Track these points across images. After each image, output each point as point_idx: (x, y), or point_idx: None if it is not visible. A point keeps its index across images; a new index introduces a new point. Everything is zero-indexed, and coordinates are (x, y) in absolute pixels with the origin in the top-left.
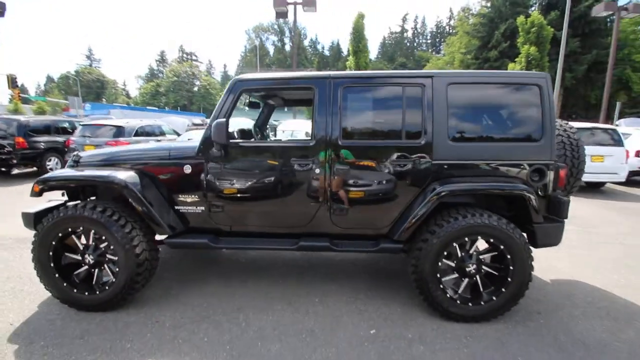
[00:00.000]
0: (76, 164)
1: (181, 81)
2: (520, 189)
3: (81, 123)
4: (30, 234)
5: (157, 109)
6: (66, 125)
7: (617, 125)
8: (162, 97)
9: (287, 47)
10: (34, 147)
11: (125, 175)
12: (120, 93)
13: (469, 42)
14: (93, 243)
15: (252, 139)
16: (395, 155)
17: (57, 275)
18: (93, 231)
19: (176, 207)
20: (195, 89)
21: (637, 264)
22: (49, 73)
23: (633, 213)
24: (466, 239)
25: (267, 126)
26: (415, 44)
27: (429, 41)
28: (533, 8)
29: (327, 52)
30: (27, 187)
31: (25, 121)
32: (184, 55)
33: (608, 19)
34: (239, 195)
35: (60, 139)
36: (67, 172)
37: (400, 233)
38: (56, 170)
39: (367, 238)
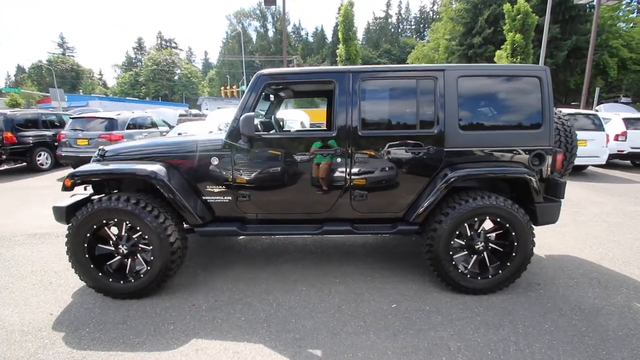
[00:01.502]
0: (102, 158)
1: (161, 70)
2: (523, 172)
3: (71, 116)
4: (40, 229)
5: (137, 99)
6: (54, 118)
7: (597, 111)
8: (142, 87)
9: (270, 33)
10: (23, 141)
11: (155, 167)
12: (96, 83)
13: (454, 29)
14: (126, 234)
15: (273, 130)
16: (410, 144)
17: (92, 265)
18: (126, 222)
19: (203, 198)
20: (176, 77)
21: (620, 239)
22: (19, 63)
23: (614, 193)
24: (476, 219)
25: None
26: (399, 30)
27: (413, 27)
28: None
29: (310, 39)
30: (19, 183)
31: (12, 115)
32: (163, 42)
33: (587, 5)
34: (264, 184)
35: (49, 132)
36: (96, 166)
37: (416, 216)
38: (47, 163)
39: (384, 221)
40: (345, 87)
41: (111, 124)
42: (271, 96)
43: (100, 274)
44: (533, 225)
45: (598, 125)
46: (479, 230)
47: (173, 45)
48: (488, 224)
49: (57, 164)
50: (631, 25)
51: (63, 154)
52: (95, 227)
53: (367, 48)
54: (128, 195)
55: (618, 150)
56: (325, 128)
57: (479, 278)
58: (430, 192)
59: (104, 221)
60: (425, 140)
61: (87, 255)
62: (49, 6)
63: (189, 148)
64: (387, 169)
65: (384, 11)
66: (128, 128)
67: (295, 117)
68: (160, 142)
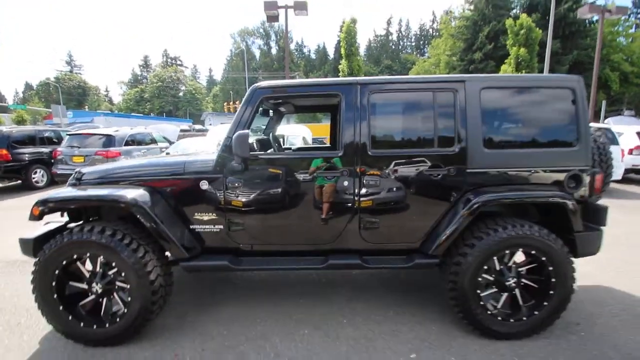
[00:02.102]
0: (78, 182)
1: (166, 86)
2: (560, 196)
3: (68, 133)
4: (22, 256)
5: (142, 115)
6: (51, 135)
7: (607, 124)
8: (147, 103)
9: (274, 51)
10: (18, 159)
11: (136, 193)
12: (102, 100)
13: (454, 45)
14: (101, 270)
15: (271, 149)
16: (427, 164)
17: (61, 307)
18: (101, 257)
19: (191, 227)
20: (181, 94)
21: None
22: (28, 80)
23: (633, 212)
24: (506, 251)
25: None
26: (400, 47)
27: (413, 44)
28: (515, 10)
29: (313, 56)
30: (12, 202)
31: (8, 132)
32: (168, 59)
33: (587, 21)
34: (261, 211)
35: (45, 149)
36: (70, 191)
37: (436, 248)
38: (53, 190)
39: (397, 253)
40: (352, 100)
41: (109, 141)
42: (271, 111)
43: (70, 317)
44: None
45: (611, 139)
46: (509, 264)
47: (178, 62)
48: (519, 255)
49: (53, 181)
50: (630, 40)
51: (58, 172)
52: (65, 262)
53: (368, 64)
54: (103, 225)
55: (633, 165)
56: (328, 144)
57: (512, 320)
58: (451, 219)
59: (75, 256)
60: (444, 160)
61: (55, 296)
62: (57, 25)
63: (176, 170)
64: (400, 193)
65: (384, 29)
66: (126, 144)
67: (297, 133)
68: (143, 164)
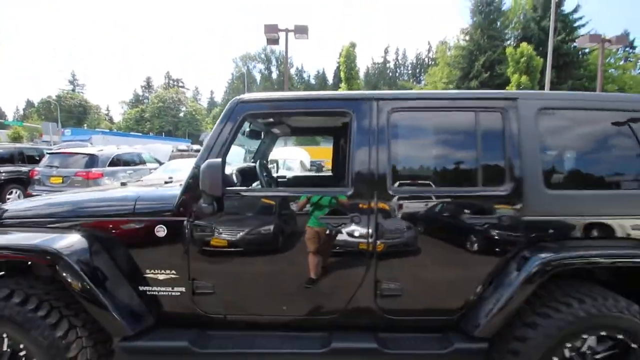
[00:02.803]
0: None
1: (167, 107)
2: None
3: (49, 151)
4: None
5: (140, 134)
6: (34, 153)
7: None
8: (147, 122)
9: (274, 75)
10: None
11: (65, 242)
12: (103, 118)
13: (450, 73)
14: (8, 350)
15: (257, 182)
16: (467, 209)
17: None
18: (5, 334)
19: (141, 288)
20: (181, 114)
21: None
22: (29, 97)
23: None
24: (584, 335)
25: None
26: (397, 74)
27: (409, 72)
28: (509, 42)
29: (312, 81)
30: None
31: None
32: (171, 81)
33: (580, 52)
34: (238, 268)
35: (25, 168)
36: None
37: (484, 327)
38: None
39: (427, 329)
40: (366, 121)
41: (91, 161)
42: (262, 132)
43: None
44: None
45: None
46: (582, 349)
47: (180, 84)
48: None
49: None
50: (621, 71)
51: (34, 193)
52: None
53: (366, 90)
54: (11, 288)
55: None
56: (329, 173)
57: None
58: (501, 286)
59: None
60: (491, 203)
61: None
62: (63, 45)
63: (123, 209)
64: (431, 247)
65: (382, 57)
66: (112, 165)
67: (294, 156)
68: (83, 200)
